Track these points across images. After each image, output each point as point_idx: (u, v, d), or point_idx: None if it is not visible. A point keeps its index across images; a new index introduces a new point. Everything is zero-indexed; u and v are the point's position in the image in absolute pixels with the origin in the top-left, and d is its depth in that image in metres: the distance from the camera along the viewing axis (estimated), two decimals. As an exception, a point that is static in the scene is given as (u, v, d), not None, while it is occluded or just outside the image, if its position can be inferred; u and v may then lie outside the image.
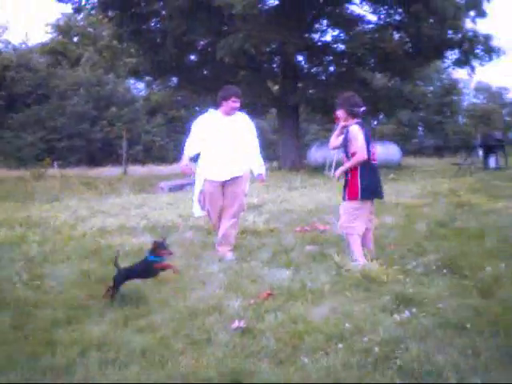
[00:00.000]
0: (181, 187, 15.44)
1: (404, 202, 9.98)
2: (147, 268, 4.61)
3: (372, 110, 26.09)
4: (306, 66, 26.47)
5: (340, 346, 3.35)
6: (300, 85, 24.77)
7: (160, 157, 42.21)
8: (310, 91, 24.71)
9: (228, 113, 6.27)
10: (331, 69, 26.47)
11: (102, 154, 41.29)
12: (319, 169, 20.44)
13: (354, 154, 5.37)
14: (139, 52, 24.66)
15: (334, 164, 18.95)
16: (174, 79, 27.39)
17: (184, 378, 2.94)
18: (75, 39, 50.13)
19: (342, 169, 5.53)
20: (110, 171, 24.68)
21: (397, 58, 21.36)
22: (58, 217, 9.12)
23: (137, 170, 26.56)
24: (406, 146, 40.98)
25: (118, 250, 5.20)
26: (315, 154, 24.75)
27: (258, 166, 6.35)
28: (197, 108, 43.85)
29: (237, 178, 6.19)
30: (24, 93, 42.48)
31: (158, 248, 4.64)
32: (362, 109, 5.54)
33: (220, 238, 6.19)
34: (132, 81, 44.21)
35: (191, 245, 6.69)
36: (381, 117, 37.54)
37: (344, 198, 5.50)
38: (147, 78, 29.22)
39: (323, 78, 26.21)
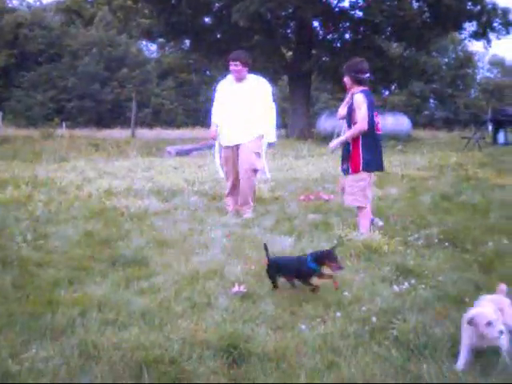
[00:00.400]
0: (188, 152, 15.44)
1: (410, 174, 9.95)
2: (303, 272, 3.80)
3: (385, 80, 25.84)
4: (321, 32, 26.07)
5: (338, 314, 3.38)
6: (314, 51, 24.45)
7: (168, 121, 42.12)
8: (324, 58, 24.42)
9: (237, 78, 6.31)
10: (347, 36, 26.07)
11: (110, 115, 41.25)
12: (328, 138, 20.29)
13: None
14: (153, 13, 24.35)
15: (342, 134, 18.82)
16: (187, 42, 27.10)
17: (182, 340, 2.98)
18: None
19: (339, 140, 5.40)
20: (118, 133, 24.64)
21: (414, 27, 21.00)
22: (64, 177, 9.17)
23: (145, 133, 26.52)
24: (417, 118, 40.61)
25: (266, 242, 4.15)
26: (324, 124, 24.55)
27: (268, 132, 6.38)
28: (207, 72, 43.55)
29: (248, 141, 6.32)
30: (36, 51, 42.29)
31: (327, 259, 3.73)
32: (367, 75, 5.36)
33: (239, 199, 6.48)
34: (144, 42, 43.80)
35: (196, 209, 6.71)
36: (393, 87, 37.06)
37: (347, 172, 5.37)
38: (160, 40, 28.91)
39: (338, 45, 25.85)
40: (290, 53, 26.39)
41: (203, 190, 8.05)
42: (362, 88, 5.31)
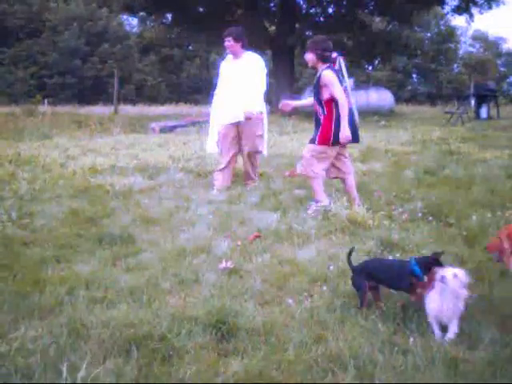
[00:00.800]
0: (172, 129, 15.33)
1: (394, 149, 10.00)
2: (406, 279, 3.14)
3: (368, 55, 25.73)
4: (304, 6, 25.83)
5: (324, 288, 3.44)
6: (297, 26, 24.24)
7: (152, 97, 41.67)
8: (308, 33, 24.20)
9: (231, 54, 6.54)
10: (330, 10, 25.85)
11: (92, 92, 40.67)
12: (311, 114, 20.25)
13: (328, 100, 5.24)
14: (133, -15, 23.86)
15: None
16: (169, 16, 26.67)
17: (171, 316, 3.01)
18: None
19: (345, 126, 5.19)
20: (100, 110, 24.34)
21: (397, 1, 20.87)
22: (48, 155, 9.07)
23: (128, 109, 26.20)
24: (400, 93, 40.64)
25: (353, 247, 3.51)
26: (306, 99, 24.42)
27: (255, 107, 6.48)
28: (190, 47, 43.04)
29: (248, 120, 6.46)
30: (16, 27, 41.36)
31: (436, 265, 3.06)
32: (334, 54, 5.37)
33: (244, 175, 6.88)
34: (125, 16, 43.06)
35: (181, 187, 6.70)
36: (376, 62, 36.98)
37: (312, 141, 5.40)
38: (141, 14, 28.41)
39: (321, 19, 25.64)
40: (274, 27, 26.13)
41: (188, 166, 8.02)
42: (326, 65, 5.32)
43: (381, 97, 23.87)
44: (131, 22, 48.84)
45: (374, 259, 3.59)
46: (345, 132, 5.20)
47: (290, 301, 3.27)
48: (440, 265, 3.07)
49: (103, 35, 43.60)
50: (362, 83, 31.01)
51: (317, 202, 5.30)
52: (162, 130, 14.89)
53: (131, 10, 26.59)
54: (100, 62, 42.11)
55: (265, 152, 6.96)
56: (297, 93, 24.87)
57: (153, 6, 23.97)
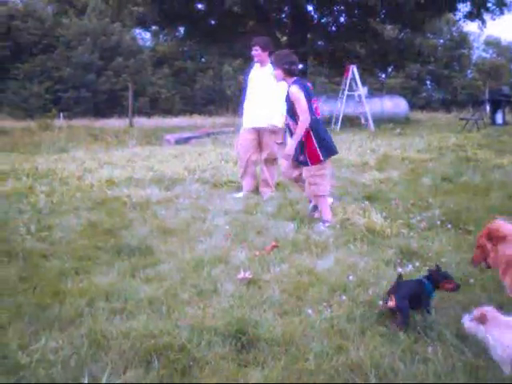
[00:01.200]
0: (187, 140, 15.41)
1: (410, 157, 9.94)
2: (423, 298, 3.17)
3: (381, 63, 25.68)
4: (315, 16, 25.87)
5: (343, 298, 3.41)
6: (309, 36, 24.29)
7: (166, 109, 41.97)
8: (319, 42, 24.26)
9: (258, 62, 6.72)
10: (342, 20, 25.88)
11: (107, 105, 41.08)
12: (326, 123, 20.22)
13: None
14: (146, 0, 24.10)
15: (340, 118, 18.78)
16: (181, 29, 26.89)
17: (191, 327, 3.00)
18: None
19: (293, 143, 5.19)
20: (115, 123, 24.55)
21: (408, 8, 20.81)
22: (65, 168, 9.16)
23: (143, 122, 26.40)
24: (414, 100, 40.49)
25: (401, 274, 3.38)
26: (322, 108, 24.37)
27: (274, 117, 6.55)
28: (202, 59, 43.35)
29: (268, 127, 6.63)
30: (30, 42, 42.01)
31: (445, 278, 3.22)
32: (300, 66, 5.30)
33: (260, 182, 6.97)
34: (138, 31, 43.51)
35: (197, 197, 6.73)
36: (389, 70, 36.93)
37: (306, 164, 5.25)
38: (154, 28, 28.68)
39: (333, 29, 25.66)
40: (285, 38, 26.21)
41: (204, 177, 8.05)
42: (294, 78, 5.23)
43: (395, 104, 23.84)
44: (144, 36, 49.42)
45: (402, 282, 3.25)
46: (288, 149, 5.24)
47: (310, 311, 3.25)
48: (451, 277, 3.22)
49: (116, 49, 44.09)
50: (375, 91, 30.94)
51: (324, 222, 5.19)
52: (177, 142, 14.98)
53: (144, 25, 26.86)
54: (114, 75, 42.55)
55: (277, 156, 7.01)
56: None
57: (165, 20, 24.19)
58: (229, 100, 42.92)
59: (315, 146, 5.15)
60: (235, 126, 17.57)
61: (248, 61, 29.38)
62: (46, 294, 3.59)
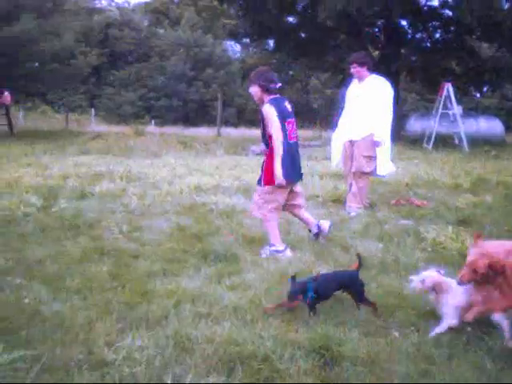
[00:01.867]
0: (272, 151, 15.47)
1: (506, 181, 9.45)
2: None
3: (477, 81, 24.73)
4: (410, 31, 25.38)
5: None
6: (403, 51, 23.84)
7: (252, 120, 42.51)
8: (413, 58, 23.74)
9: (359, 79, 6.77)
10: (437, 36, 25.20)
11: (196, 114, 42.16)
12: (418, 141, 19.66)
13: (270, 137, 4.80)
14: (238, 13, 24.65)
15: (433, 136, 18.22)
16: (271, 42, 27.26)
17: (274, 338, 2.99)
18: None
19: (278, 164, 4.76)
20: (204, 132, 25.18)
21: (506, 27, 19.96)
22: (156, 173, 9.48)
23: (230, 131, 26.89)
24: (509, 122, 38.62)
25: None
26: (414, 125, 23.75)
27: (376, 132, 6.56)
28: (290, 72, 43.61)
29: (357, 140, 6.66)
30: (125, 51, 44.01)
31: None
32: (278, 85, 4.89)
33: (349, 196, 6.85)
34: (229, 42, 44.49)
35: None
36: (484, 89, 35.49)
37: (259, 183, 4.97)
38: (244, 41, 29.25)
39: (428, 44, 25.04)
40: (378, 52, 25.86)
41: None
42: (271, 97, 4.89)
43: (491, 125, 22.87)
44: (234, 48, 50.46)
45: None
46: (276, 174, 4.77)
47: (397, 333, 3.16)
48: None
49: (208, 61, 45.24)
50: (469, 111, 29.83)
51: (271, 245, 4.87)
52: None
53: (235, 37, 27.47)
54: (204, 86, 43.64)
55: (383, 172, 6.91)
56: (402, 118, 24.36)
57: (256, 33, 24.62)
58: (315, 113, 42.87)
59: (274, 168, 4.79)
60: (321, 139, 17.57)
61: (337, 74, 29.35)
62: (134, 292, 3.70)
